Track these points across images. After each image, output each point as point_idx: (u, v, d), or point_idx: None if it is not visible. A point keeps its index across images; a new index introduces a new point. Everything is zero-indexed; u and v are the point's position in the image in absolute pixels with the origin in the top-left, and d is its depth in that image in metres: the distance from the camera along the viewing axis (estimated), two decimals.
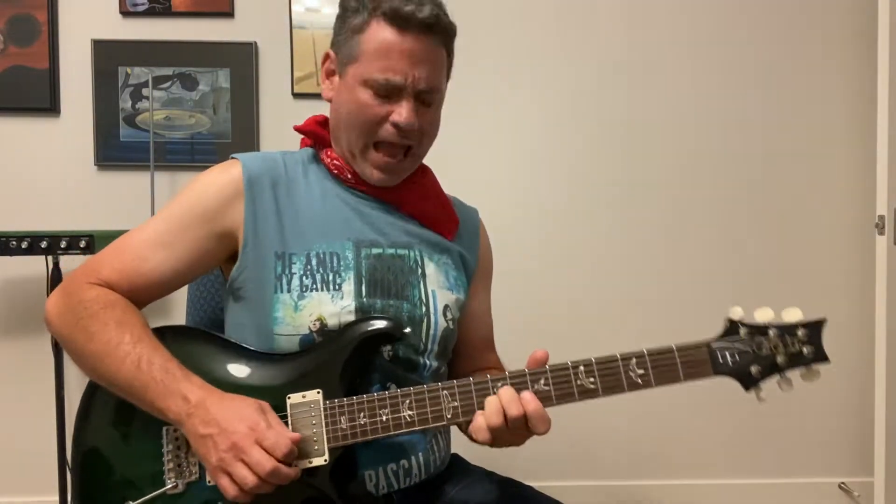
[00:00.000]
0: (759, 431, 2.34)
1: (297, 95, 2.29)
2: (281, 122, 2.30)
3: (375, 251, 1.04)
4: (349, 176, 1.07)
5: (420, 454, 1.02)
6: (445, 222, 1.12)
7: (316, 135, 1.11)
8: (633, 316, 2.33)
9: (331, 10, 2.27)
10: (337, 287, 0.99)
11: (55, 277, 1.99)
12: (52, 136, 2.27)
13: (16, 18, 2.22)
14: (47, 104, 2.24)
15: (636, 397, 0.95)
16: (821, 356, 0.91)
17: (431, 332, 1.04)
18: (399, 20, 0.97)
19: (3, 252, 1.92)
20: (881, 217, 1.98)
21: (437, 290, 1.06)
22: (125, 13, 2.26)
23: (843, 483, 2.35)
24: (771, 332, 0.92)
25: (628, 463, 2.36)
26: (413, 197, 1.10)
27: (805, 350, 0.91)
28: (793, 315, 0.92)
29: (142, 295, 1.00)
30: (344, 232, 1.03)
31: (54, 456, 2.04)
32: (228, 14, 2.28)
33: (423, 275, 1.06)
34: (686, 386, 0.92)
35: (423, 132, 1.04)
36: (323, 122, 1.11)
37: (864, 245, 2.28)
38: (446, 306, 1.06)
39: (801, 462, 2.37)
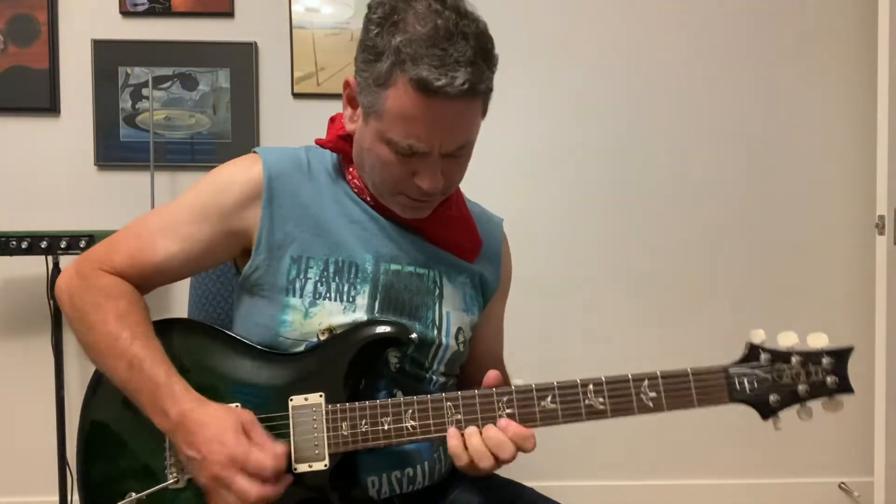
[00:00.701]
0: (758, 431, 2.32)
1: (296, 95, 2.29)
2: (281, 122, 2.30)
3: (395, 267, 1.01)
4: (367, 199, 1.03)
5: (426, 462, 1.01)
6: (469, 250, 1.08)
7: (340, 150, 1.05)
8: (633, 314, 2.32)
9: (331, 10, 2.27)
10: (350, 299, 0.98)
11: (55, 277, 1.98)
12: (52, 136, 2.26)
13: (16, 18, 2.22)
14: (47, 104, 2.24)
15: None
16: (845, 387, 0.85)
17: (440, 354, 1.03)
18: (427, 92, 0.86)
19: (3, 252, 1.92)
20: (881, 217, 1.98)
21: (453, 311, 1.04)
22: (125, 13, 2.26)
23: (843, 483, 2.35)
24: (793, 360, 0.86)
25: (628, 463, 2.36)
26: (435, 226, 1.04)
27: (829, 380, 0.85)
28: (818, 341, 0.86)
29: (151, 281, 1.00)
30: (365, 243, 1.01)
31: (54, 456, 2.04)
32: (228, 14, 2.27)
33: (441, 296, 1.04)
34: None
35: (450, 183, 0.97)
36: (346, 137, 1.03)
37: (864, 245, 2.29)
38: (459, 329, 1.05)
39: (801, 462, 2.37)
